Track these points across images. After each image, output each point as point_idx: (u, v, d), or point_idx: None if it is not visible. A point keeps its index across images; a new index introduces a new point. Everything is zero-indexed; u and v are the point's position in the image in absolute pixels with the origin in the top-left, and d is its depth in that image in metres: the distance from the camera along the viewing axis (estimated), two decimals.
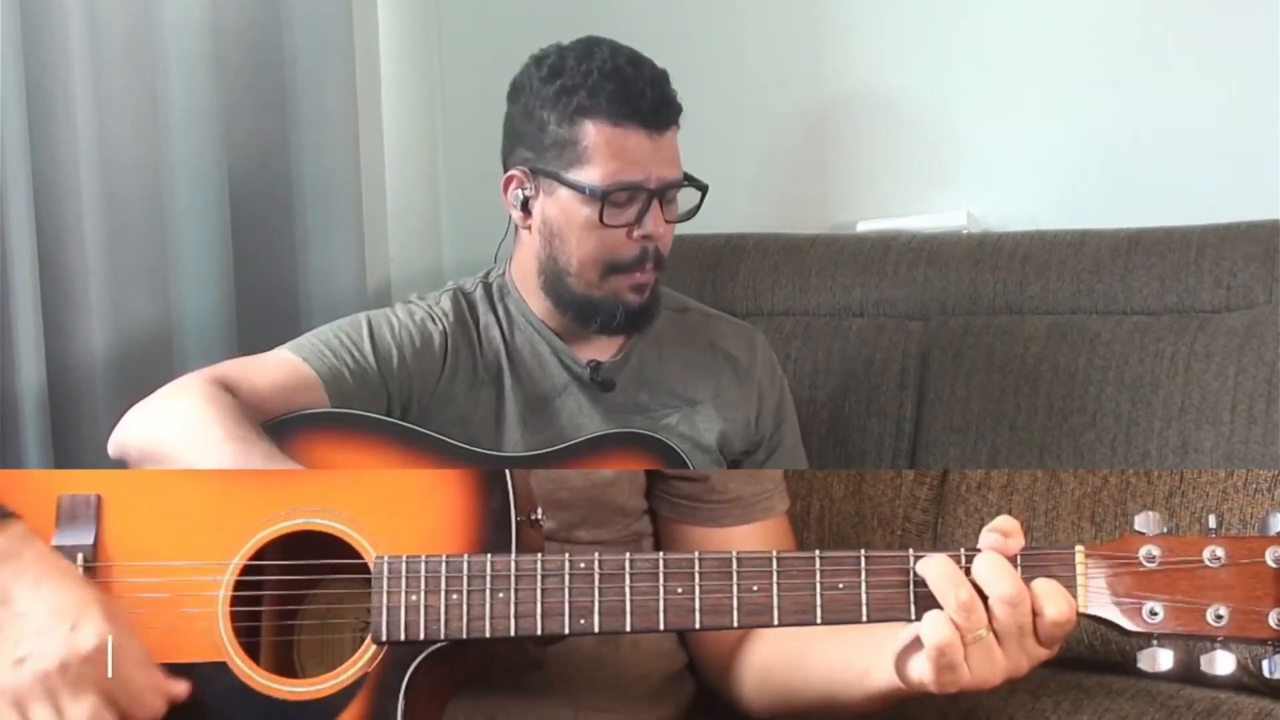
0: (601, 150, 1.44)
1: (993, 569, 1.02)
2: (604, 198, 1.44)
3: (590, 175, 1.45)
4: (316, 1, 1.97)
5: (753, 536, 1.35)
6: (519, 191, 1.50)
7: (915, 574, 1.05)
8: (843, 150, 2.09)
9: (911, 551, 1.05)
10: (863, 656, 1.13)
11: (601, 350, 1.55)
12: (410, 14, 2.32)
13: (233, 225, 1.92)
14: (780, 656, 1.25)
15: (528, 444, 1.48)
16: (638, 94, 1.44)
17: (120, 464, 1.33)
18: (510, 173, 1.51)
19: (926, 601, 1.03)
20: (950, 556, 1.04)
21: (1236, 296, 1.69)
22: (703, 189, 1.52)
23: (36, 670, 1.02)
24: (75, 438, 1.71)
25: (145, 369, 1.76)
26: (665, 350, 1.58)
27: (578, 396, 1.53)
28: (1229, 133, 1.81)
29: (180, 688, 1.08)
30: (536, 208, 1.50)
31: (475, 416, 1.49)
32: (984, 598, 1.02)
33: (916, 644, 1.05)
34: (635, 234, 1.47)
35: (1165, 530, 1.03)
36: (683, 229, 1.55)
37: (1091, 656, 1.42)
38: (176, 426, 1.29)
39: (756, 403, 1.60)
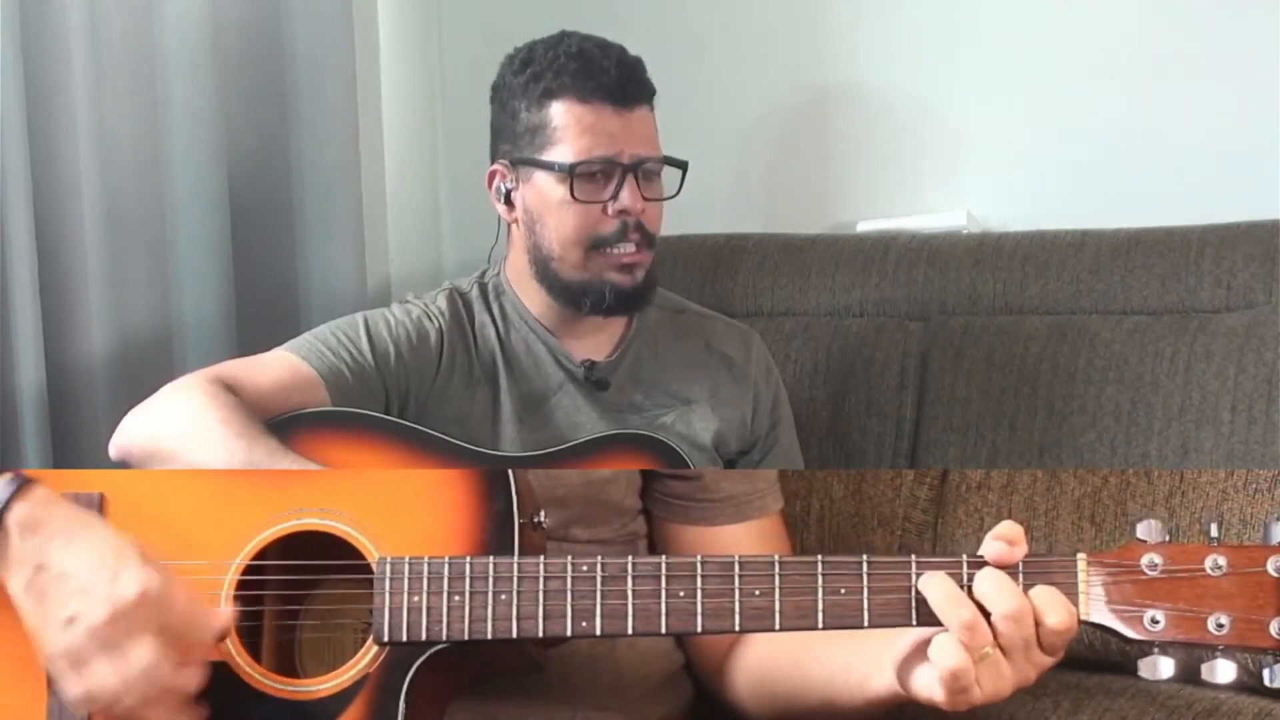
0: (571, 128, 1.46)
1: (994, 586, 1.02)
2: (572, 172, 1.45)
3: (562, 153, 1.46)
4: (316, 1, 1.97)
5: (746, 536, 1.35)
6: (501, 185, 1.52)
7: (918, 579, 1.04)
8: (843, 150, 2.09)
9: (914, 558, 1.04)
10: (862, 662, 1.13)
11: (597, 349, 1.55)
12: (410, 14, 2.32)
13: (233, 225, 1.92)
14: (777, 659, 1.25)
15: (524, 442, 1.49)
16: (602, 70, 1.46)
17: (122, 465, 1.33)
18: (491, 168, 1.53)
19: (928, 608, 1.03)
20: (951, 570, 1.04)
21: (1236, 296, 1.69)
22: (682, 166, 1.52)
23: (87, 626, 1.01)
24: (74, 438, 1.71)
25: (145, 369, 1.76)
26: (661, 350, 1.59)
27: (573, 395, 1.53)
28: (1229, 133, 1.81)
29: (224, 619, 1.07)
30: (518, 198, 1.51)
31: (472, 415, 1.49)
32: (987, 614, 1.02)
33: (919, 653, 1.05)
34: (611, 209, 1.47)
35: (1167, 538, 1.03)
36: (682, 228, 1.55)
37: (1092, 656, 1.42)
38: (179, 426, 1.29)
39: (752, 403, 1.60)
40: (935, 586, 1.03)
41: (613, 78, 1.45)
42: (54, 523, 1.05)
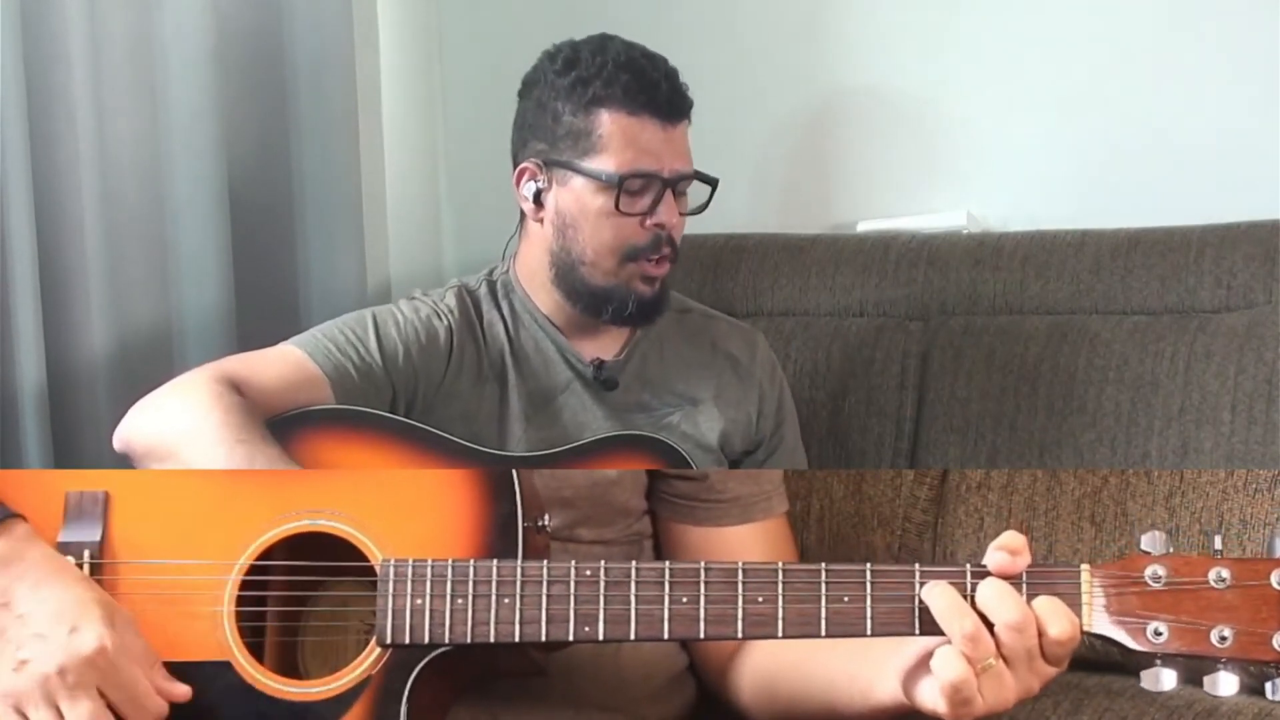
0: (617, 139, 1.46)
1: (996, 596, 1.02)
2: (620, 185, 1.45)
3: (606, 163, 1.46)
4: (316, 2, 1.97)
5: (752, 537, 1.35)
6: (532, 183, 1.51)
7: (921, 588, 1.04)
8: (843, 150, 2.09)
9: (918, 567, 1.04)
10: (867, 670, 1.12)
11: (605, 349, 1.56)
12: (410, 14, 2.31)
13: (233, 225, 1.92)
14: (781, 664, 1.25)
15: (531, 441, 1.49)
16: (653, 85, 1.46)
17: (125, 456, 1.33)
18: (523, 165, 1.52)
19: (931, 617, 1.03)
20: (954, 580, 1.04)
21: (1236, 296, 1.70)
22: (713, 183, 1.53)
23: (36, 673, 1.02)
24: (75, 437, 1.71)
25: (145, 369, 1.76)
26: (667, 350, 1.59)
27: (580, 394, 1.53)
28: (1229, 133, 1.81)
29: (182, 690, 1.08)
30: (549, 199, 1.51)
31: (479, 413, 1.49)
32: (990, 624, 1.01)
33: (924, 664, 1.05)
34: (649, 223, 1.48)
35: (1171, 550, 1.03)
36: (684, 229, 1.55)
37: (1092, 657, 1.41)
38: (181, 425, 1.29)
39: (757, 403, 1.60)
40: (938, 597, 1.03)
41: (663, 92, 1.46)
42: (28, 563, 1.06)
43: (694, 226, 1.66)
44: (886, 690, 1.09)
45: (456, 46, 2.35)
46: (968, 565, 1.04)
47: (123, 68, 1.78)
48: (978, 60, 1.98)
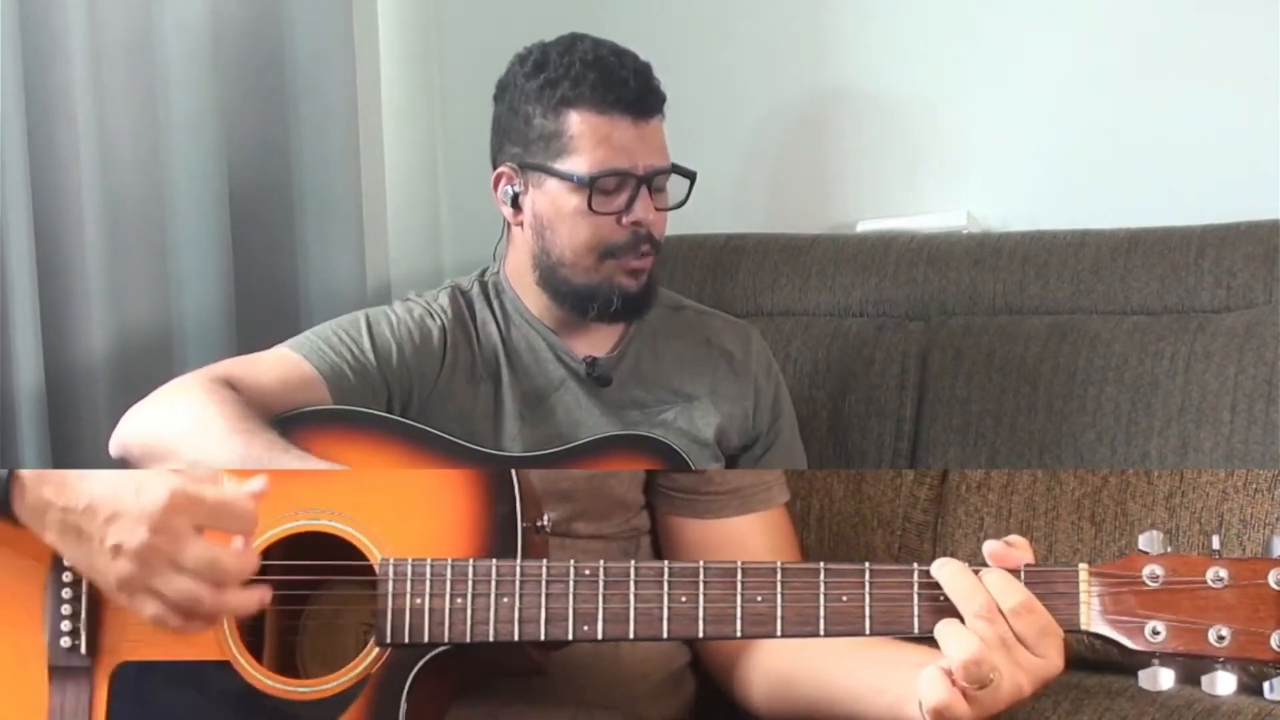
0: (587, 139, 1.45)
1: (946, 577, 1.02)
2: (591, 185, 1.45)
3: (577, 164, 1.46)
4: (316, 1, 1.97)
5: (751, 528, 1.36)
6: (508, 188, 1.51)
7: (920, 587, 1.04)
8: (843, 150, 2.09)
9: (916, 566, 1.05)
10: (896, 685, 1.11)
11: (597, 346, 1.56)
12: (410, 14, 2.32)
13: (233, 225, 1.92)
14: (799, 669, 1.24)
15: (526, 439, 1.49)
16: (621, 82, 1.45)
17: (122, 464, 1.33)
18: (499, 170, 1.52)
19: (930, 617, 1.03)
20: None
21: (1236, 296, 1.70)
22: (690, 176, 1.52)
23: (134, 550, 1.01)
24: (73, 439, 1.71)
25: (145, 369, 1.76)
26: (661, 347, 1.59)
27: (575, 392, 1.53)
28: (1229, 133, 1.81)
29: (258, 481, 1.06)
30: (526, 202, 1.51)
31: (474, 412, 1.49)
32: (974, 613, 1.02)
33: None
34: (625, 220, 1.47)
35: (1169, 550, 1.03)
36: (682, 229, 1.56)
37: (1091, 656, 1.42)
38: (178, 423, 1.29)
39: (753, 397, 1.60)
40: (943, 566, 1.03)
41: (631, 89, 1.45)
42: (52, 476, 1.05)
43: (693, 226, 1.67)
44: (914, 710, 1.07)
45: (456, 46, 2.35)
46: (966, 565, 1.04)
47: (123, 68, 1.78)
48: (978, 60, 1.98)
